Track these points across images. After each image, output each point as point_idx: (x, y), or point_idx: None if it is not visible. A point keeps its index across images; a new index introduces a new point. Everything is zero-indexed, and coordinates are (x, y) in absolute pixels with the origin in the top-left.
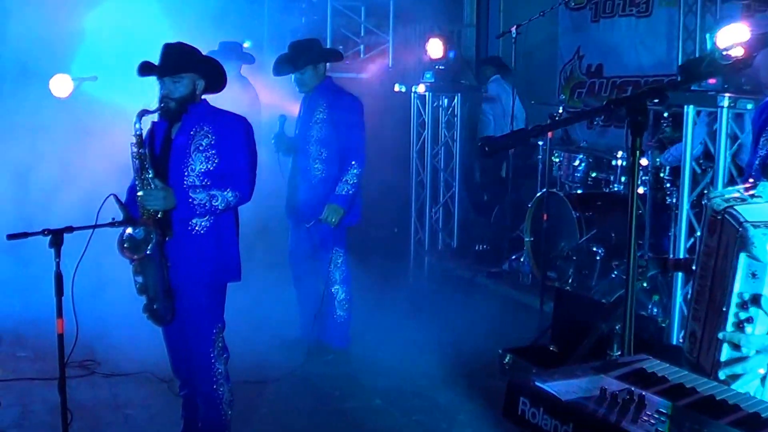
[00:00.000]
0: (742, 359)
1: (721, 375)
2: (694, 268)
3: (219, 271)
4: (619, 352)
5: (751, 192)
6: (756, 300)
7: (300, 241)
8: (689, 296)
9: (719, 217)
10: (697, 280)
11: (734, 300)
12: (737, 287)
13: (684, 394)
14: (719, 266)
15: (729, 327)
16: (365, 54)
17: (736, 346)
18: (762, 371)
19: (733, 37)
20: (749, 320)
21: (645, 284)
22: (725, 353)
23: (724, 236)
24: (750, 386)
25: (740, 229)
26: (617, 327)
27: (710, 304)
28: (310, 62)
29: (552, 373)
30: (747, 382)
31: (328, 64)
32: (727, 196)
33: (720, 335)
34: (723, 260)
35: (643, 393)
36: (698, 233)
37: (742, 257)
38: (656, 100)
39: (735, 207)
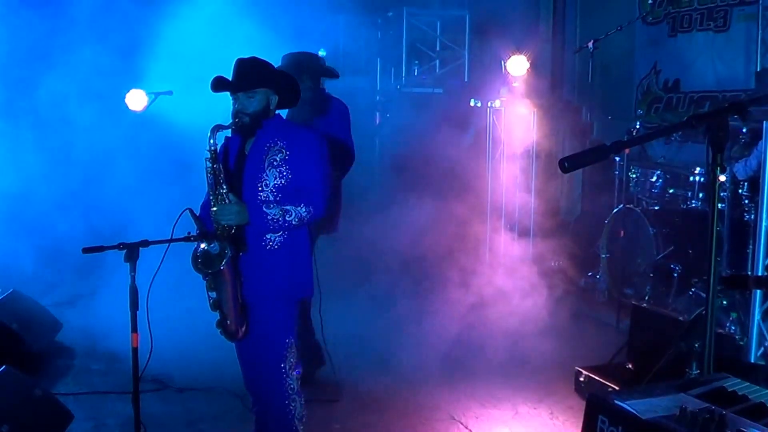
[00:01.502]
0: None
1: None
2: None
3: (292, 287)
4: (699, 371)
5: None
6: None
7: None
8: None
9: None
10: None
11: None
12: None
13: (765, 414)
14: None
15: None
16: (441, 68)
17: None
18: None
19: None
20: None
21: (725, 302)
22: None
23: None
24: None
25: None
26: (696, 345)
27: None
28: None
29: (631, 392)
30: None
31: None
32: None
33: None
34: None
35: (724, 412)
36: None
37: None
38: (736, 116)
39: None
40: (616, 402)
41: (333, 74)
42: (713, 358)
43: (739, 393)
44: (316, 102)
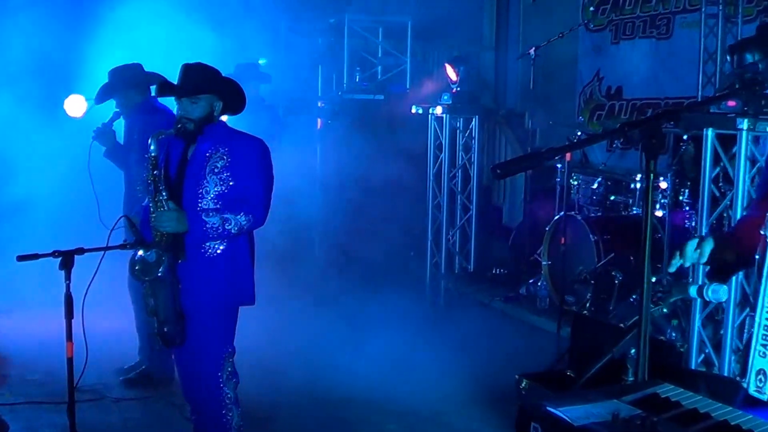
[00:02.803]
0: None
1: None
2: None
3: (231, 295)
4: (633, 378)
5: None
6: None
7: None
8: (753, 332)
9: None
10: (763, 315)
11: None
12: None
13: (697, 420)
14: None
15: None
16: (382, 75)
17: None
18: None
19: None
20: None
21: (665, 309)
22: None
23: None
24: None
25: None
26: (632, 351)
27: None
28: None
29: (564, 398)
30: None
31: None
32: None
33: None
34: None
35: (655, 419)
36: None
37: None
38: (671, 123)
39: None
40: (548, 408)
41: (158, 79)
42: (652, 365)
43: (672, 399)
44: (147, 111)
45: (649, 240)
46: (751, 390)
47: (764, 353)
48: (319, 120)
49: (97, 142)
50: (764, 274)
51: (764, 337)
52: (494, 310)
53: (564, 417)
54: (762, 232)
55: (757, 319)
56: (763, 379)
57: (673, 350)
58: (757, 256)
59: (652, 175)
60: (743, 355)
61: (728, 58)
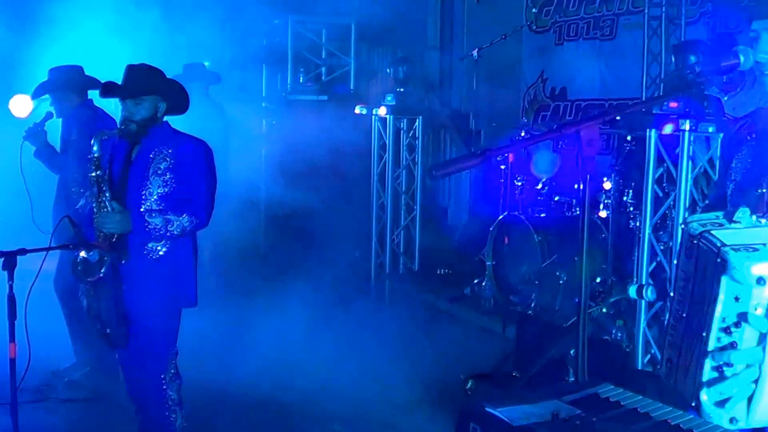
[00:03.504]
0: (729, 378)
1: (705, 395)
2: (671, 294)
3: (174, 297)
4: (574, 377)
5: (732, 218)
6: (738, 324)
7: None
8: (666, 322)
9: (695, 242)
10: (674, 305)
11: (716, 324)
12: (719, 311)
13: (636, 420)
14: (697, 291)
15: (711, 353)
16: (326, 76)
17: (719, 368)
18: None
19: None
20: (733, 345)
21: (605, 309)
22: (707, 374)
23: (702, 261)
24: (738, 408)
25: (720, 253)
26: (572, 351)
27: (687, 330)
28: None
29: (504, 399)
30: (735, 404)
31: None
32: (704, 220)
33: (706, 356)
34: (701, 285)
35: (594, 419)
36: (659, 258)
37: (725, 281)
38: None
39: (712, 231)
40: (487, 409)
41: (97, 85)
42: (597, 365)
43: (612, 400)
44: (85, 114)
45: (586, 241)
46: (663, 377)
47: (672, 342)
48: (263, 121)
49: (27, 141)
50: (678, 263)
51: (673, 327)
52: (439, 311)
53: (503, 417)
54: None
55: (670, 307)
56: (671, 366)
57: (618, 350)
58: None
59: (588, 176)
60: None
61: (672, 59)
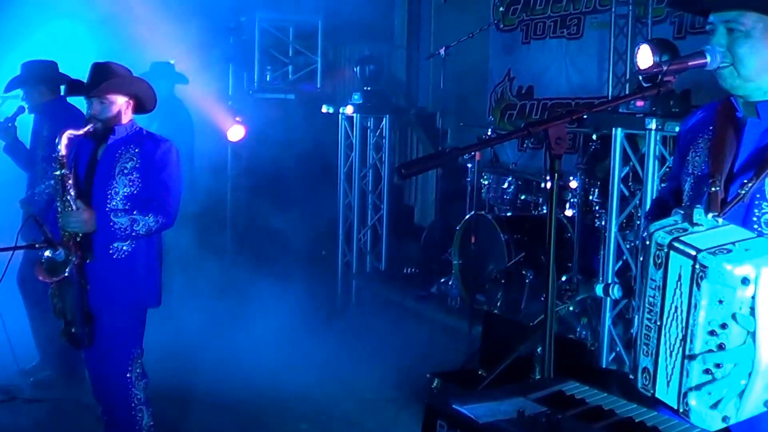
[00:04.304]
0: (719, 380)
1: (693, 399)
2: (634, 303)
3: (139, 296)
4: (540, 375)
5: (693, 219)
6: (725, 325)
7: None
8: (635, 332)
9: (666, 251)
10: (644, 315)
11: (702, 329)
12: (703, 316)
13: (601, 417)
14: (672, 300)
15: (698, 357)
16: (293, 74)
17: (708, 371)
18: (743, 382)
19: (645, 60)
20: (721, 346)
21: (572, 308)
22: (695, 378)
23: (674, 270)
24: (729, 406)
25: (697, 259)
26: (539, 349)
27: (665, 338)
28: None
29: (471, 396)
30: (726, 403)
31: None
32: (667, 227)
33: (694, 360)
34: (676, 294)
35: (560, 416)
36: (625, 256)
37: (705, 286)
38: (575, 124)
39: (681, 238)
40: (454, 406)
41: (69, 80)
42: (562, 363)
43: (578, 397)
44: (57, 110)
45: (554, 239)
46: (639, 387)
47: (647, 351)
48: (229, 119)
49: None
50: (645, 273)
51: (646, 336)
52: (406, 310)
53: (469, 414)
54: (644, 234)
55: (639, 317)
56: (648, 376)
57: (583, 348)
58: (641, 258)
59: (556, 175)
60: (633, 353)
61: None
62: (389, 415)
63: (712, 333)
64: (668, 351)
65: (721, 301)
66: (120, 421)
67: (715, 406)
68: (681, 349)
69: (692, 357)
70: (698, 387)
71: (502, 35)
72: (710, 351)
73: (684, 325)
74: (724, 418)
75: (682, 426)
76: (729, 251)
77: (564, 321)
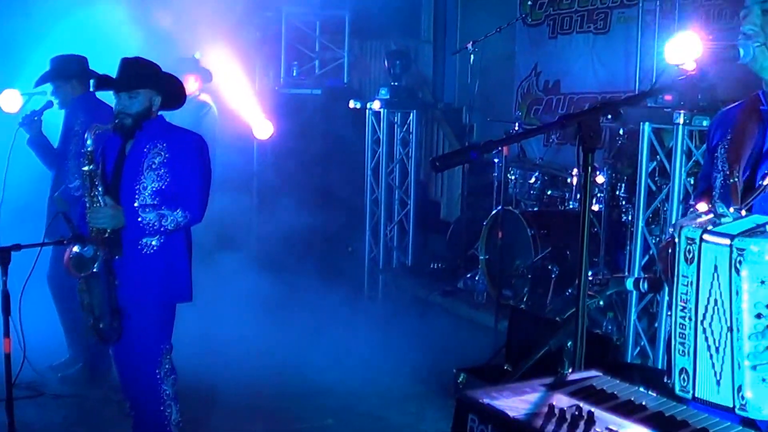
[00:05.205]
0: None
1: (748, 389)
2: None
3: (168, 292)
4: (570, 370)
5: (710, 215)
6: None
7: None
8: (667, 332)
9: (697, 244)
10: (677, 314)
11: (749, 313)
12: (747, 300)
13: (633, 410)
14: (708, 293)
15: (749, 344)
16: (320, 69)
17: (761, 354)
18: None
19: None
20: None
21: (601, 302)
22: (748, 359)
23: (708, 261)
24: None
25: (734, 243)
26: (569, 344)
27: (705, 333)
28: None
29: (501, 390)
30: None
31: None
32: (695, 222)
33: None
34: (712, 285)
35: (592, 409)
36: (652, 251)
37: (746, 269)
38: (609, 116)
39: (712, 229)
40: (485, 401)
41: (98, 75)
42: (588, 358)
43: (608, 391)
44: (89, 105)
45: (587, 233)
46: (677, 390)
47: (683, 351)
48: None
49: (23, 129)
50: (677, 270)
51: (681, 335)
52: (432, 305)
53: (500, 409)
54: (671, 230)
55: (673, 316)
56: (687, 377)
57: (609, 343)
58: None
59: (590, 168)
60: (666, 355)
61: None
62: (415, 410)
63: (759, 316)
64: (713, 347)
65: (763, 282)
66: (148, 416)
67: None
68: (729, 341)
69: (741, 346)
70: (754, 372)
71: (529, 30)
72: (760, 333)
73: (728, 316)
74: None
75: (712, 420)
76: (764, 232)
77: (590, 315)
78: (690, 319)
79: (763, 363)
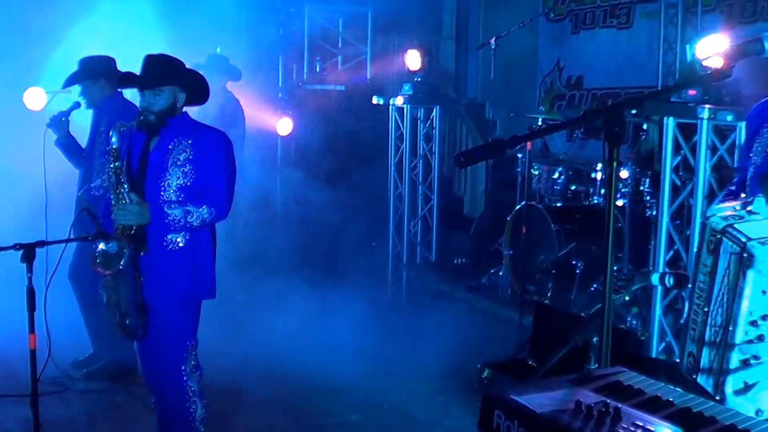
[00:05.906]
0: (754, 367)
1: (729, 387)
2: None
3: (193, 288)
4: (596, 365)
5: (749, 208)
6: (766, 317)
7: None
8: (685, 316)
9: (719, 236)
10: (693, 300)
11: (743, 318)
12: (745, 306)
13: (660, 407)
14: (720, 286)
15: (736, 348)
16: (343, 65)
17: (746, 361)
18: None
19: (712, 48)
20: (761, 338)
21: (627, 297)
22: (734, 362)
23: (725, 256)
24: (763, 397)
25: (746, 248)
26: (595, 339)
27: (711, 324)
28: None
29: (527, 386)
30: (759, 391)
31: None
32: (724, 213)
33: (733, 349)
34: (724, 280)
35: (619, 405)
36: (677, 246)
37: (751, 275)
38: (633, 111)
39: (735, 225)
40: (511, 396)
41: (122, 72)
42: (613, 353)
43: (635, 387)
44: (116, 105)
45: (612, 228)
46: (683, 371)
47: (693, 337)
48: (279, 112)
49: (50, 129)
50: (701, 258)
51: (693, 321)
52: (456, 300)
53: (527, 405)
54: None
55: (689, 302)
56: (692, 361)
57: (633, 338)
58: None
59: (615, 163)
60: (682, 339)
61: (687, 47)
62: (439, 405)
63: (753, 323)
64: (712, 338)
65: (764, 292)
66: (174, 412)
67: (745, 391)
68: (723, 336)
69: (732, 346)
70: (734, 373)
71: (552, 25)
72: (750, 342)
73: (727, 313)
74: (758, 412)
75: (740, 416)
76: None
77: (615, 311)
78: (702, 308)
79: (747, 367)
